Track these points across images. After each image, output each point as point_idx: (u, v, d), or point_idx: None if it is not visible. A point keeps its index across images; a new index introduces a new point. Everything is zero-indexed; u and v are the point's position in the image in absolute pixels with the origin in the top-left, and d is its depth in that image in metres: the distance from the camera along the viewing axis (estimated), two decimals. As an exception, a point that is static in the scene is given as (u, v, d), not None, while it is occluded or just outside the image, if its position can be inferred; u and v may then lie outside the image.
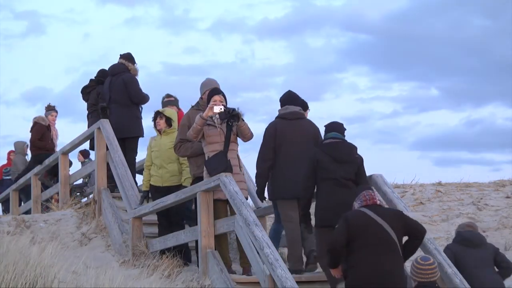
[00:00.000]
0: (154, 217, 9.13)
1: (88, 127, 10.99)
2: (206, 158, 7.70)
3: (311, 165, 7.06)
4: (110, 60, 25.48)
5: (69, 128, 31.76)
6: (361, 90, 31.01)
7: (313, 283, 7.25)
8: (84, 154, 14.04)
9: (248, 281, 7.16)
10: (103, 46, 32.66)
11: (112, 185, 10.23)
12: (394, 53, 30.63)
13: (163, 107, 9.85)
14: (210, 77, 8.53)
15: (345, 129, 7.30)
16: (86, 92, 11.25)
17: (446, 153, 30.16)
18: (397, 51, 30.43)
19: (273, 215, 8.40)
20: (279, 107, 7.92)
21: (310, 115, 8.38)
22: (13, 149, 14.12)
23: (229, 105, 7.75)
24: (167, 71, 31.31)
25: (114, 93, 10.47)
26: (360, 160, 7.19)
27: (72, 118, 29.30)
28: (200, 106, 8.23)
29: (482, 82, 30.08)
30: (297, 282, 6.31)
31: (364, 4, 31.11)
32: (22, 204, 13.16)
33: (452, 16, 29.54)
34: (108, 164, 10.23)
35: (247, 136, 7.73)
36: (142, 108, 10.65)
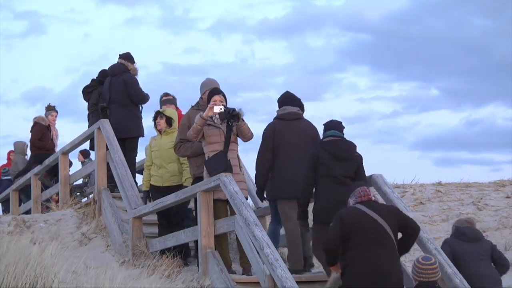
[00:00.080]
0: (154, 217, 9.13)
1: (89, 127, 11.00)
2: (206, 158, 7.70)
3: (312, 162, 7.08)
4: (110, 60, 25.51)
5: (69, 128, 31.78)
6: (361, 90, 31.04)
7: (313, 283, 7.25)
8: (84, 154, 14.03)
9: (248, 281, 7.16)
10: (103, 46, 32.69)
11: (112, 185, 10.23)
12: (394, 53, 30.65)
13: (161, 105, 9.86)
14: (210, 77, 8.53)
15: (344, 127, 7.33)
16: (87, 92, 11.24)
17: (446, 153, 30.18)
18: (397, 51, 30.46)
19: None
20: (275, 109, 7.95)
21: (310, 115, 8.41)
22: (13, 149, 14.12)
23: (229, 105, 7.75)
24: (167, 71, 31.33)
25: (114, 93, 10.47)
26: (360, 158, 7.22)
27: (72, 118, 29.31)
28: (200, 106, 8.23)
29: (482, 82, 30.10)
30: (297, 282, 6.32)
31: (364, 4, 31.13)
32: (22, 204, 13.16)
33: (452, 16, 29.56)
34: (108, 164, 10.23)
35: (247, 136, 7.73)
36: (142, 108, 10.65)
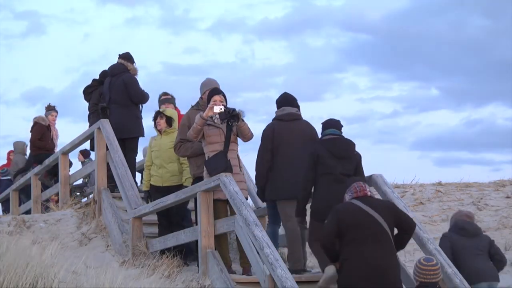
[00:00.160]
0: (154, 217, 9.13)
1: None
2: (206, 158, 7.70)
3: (312, 160, 7.09)
4: (110, 60, 25.47)
5: (69, 128, 31.79)
6: (361, 90, 31.04)
7: (313, 283, 7.24)
8: (84, 154, 14.03)
9: (248, 281, 7.16)
10: (103, 46, 32.70)
11: (112, 185, 10.23)
12: (394, 53, 30.65)
13: (159, 105, 9.86)
14: (210, 77, 8.53)
15: (342, 126, 7.36)
16: (88, 92, 11.24)
17: (446, 153, 30.19)
18: (397, 51, 30.46)
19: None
20: (275, 109, 7.95)
21: (310, 115, 8.42)
22: (13, 149, 14.12)
23: (229, 105, 7.75)
24: (167, 71, 31.34)
25: (114, 94, 10.47)
26: (359, 157, 7.27)
27: (72, 118, 29.32)
28: (200, 106, 8.23)
29: (482, 82, 30.10)
30: (297, 282, 6.32)
31: (364, 4, 31.13)
32: (22, 204, 13.16)
33: (452, 16, 29.56)
34: (108, 164, 10.23)
35: (247, 136, 7.73)
36: (142, 108, 10.65)
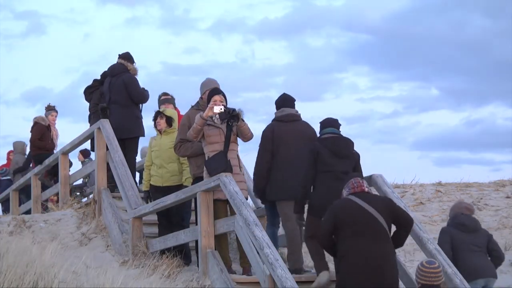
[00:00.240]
0: (154, 217, 9.13)
1: (91, 127, 10.99)
2: (206, 158, 7.70)
3: (312, 158, 7.11)
4: (110, 60, 25.45)
5: (69, 128, 31.78)
6: (361, 90, 31.04)
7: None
8: (84, 153, 14.03)
9: (248, 281, 7.16)
10: (103, 46, 32.67)
11: (112, 185, 10.23)
12: (394, 53, 30.67)
13: (159, 105, 9.86)
14: (210, 77, 8.53)
15: (340, 125, 7.39)
16: (89, 92, 11.23)
17: (446, 153, 30.21)
18: (397, 51, 30.48)
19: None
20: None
21: (310, 115, 8.44)
22: (12, 149, 14.12)
23: (229, 105, 7.75)
24: (167, 71, 31.34)
25: (114, 94, 10.46)
26: (357, 156, 7.32)
27: (72, 118, 29.33)
28: (200, 106, 8.23)
29: (482, 82, 30.12)
30: (297, 282, 6.32)
31: (364, 4, 31.13)
32: (22, 204, 13.16)
33: (452, 16, 29.57)
34: (108, 164, 10.23)
35: (247, 136, 7.73)
36: (142, 107, 10.65)
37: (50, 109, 13.12)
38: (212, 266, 7.27)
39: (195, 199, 7.75)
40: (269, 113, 8.28)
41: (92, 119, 11.06)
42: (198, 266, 7.72)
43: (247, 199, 7.57)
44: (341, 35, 31.83)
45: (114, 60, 10.75)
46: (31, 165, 13.06)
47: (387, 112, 31.48)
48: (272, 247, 6.45)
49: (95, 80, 11.23)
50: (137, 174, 11.50)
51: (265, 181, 7.71)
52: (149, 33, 32.61)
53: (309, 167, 7.14)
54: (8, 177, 14.00)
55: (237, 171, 7.65)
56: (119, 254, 9.09)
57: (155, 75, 28.82)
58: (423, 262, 5.97)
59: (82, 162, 13.91)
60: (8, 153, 14.41)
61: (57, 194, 11.66)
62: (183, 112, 9.43)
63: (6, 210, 13.86)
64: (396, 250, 6.35)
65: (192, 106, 8.44)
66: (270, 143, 7.68)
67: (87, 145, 11.67)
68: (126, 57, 10.69)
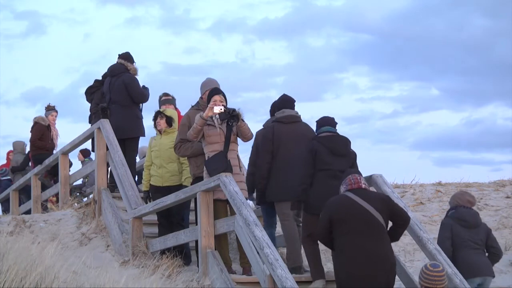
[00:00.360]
0: (154, 217, 9.13)
1: (92, 128, 10.98)
2: (206, 158, 7.70)
3: (311, 157, 7.13)
4: (110, 60, 25.47)
5: (69, 128, 31.79)
6: (362, 90, 31.06)
7: (313, 283, 7.25)
8: (84, 153, 14.03)
9: (248, 281, 7.16)
10: (103, 46, 32.71)
11: (112, 185, 10.24)
12: (394, 53, 30.69)
13: (160, 105, 9.86)
14: (210, 77, 8.53)
15: (337, 123, 7.40)
16: (91, 92, 11.23)
17: (446, 153, 30.21)
18: (397, 51, 30.49)
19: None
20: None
21: (311, 115, 8.45)
22: (12, 149, 14.12)
23: (230, 106, 7.75)
24: (167, 71, 31.35)
25: (114, 94, 10.47)
26: (354, 154, 7.37)
27: (72, 118, 29.36)
28: (200, 106, 8.23)
29: (482, 82, 30.13)
30: (297, 282, 6.32)
31: (364, 4, 31.15)
32: (22, 204, 13.15)
33: (452, 16, 29.58)
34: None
35: (247, 136, 7.73)
36: (142, 107, 10.65)
37: (50, 109, 13.12)
38: (212, 266, 7.27)
39: (195, 199, 7.74)
40: (269, 113, 8.29)
41: (93, 119, 11.05)
42: (198, 266, 7.72)
43: (247, 199, 7.57)
44: (341, 35, 31.88)
45: (114, 60, 10.77)
46: (30, 165, 13.06)
47: (387, 112, 31.51)
48: (272, 247, 6.45)
49: (96, 81, 11.22)
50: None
51: (264, 182, 7.72)
52: (149, 33, 32.67)
53: (307, 165, 7.16)
54: (8, 177, 14.01)
55: (237, 171, 7.65)
56: (119, 254, 9.09)
57: (155, 75, 28.86)
58: (428, 265, 5.96)
59: (82, 162, 13.91)
60: (8, 153, 14.40)
61: (56, 195, 11.67)
62: (183, 112, 9.43)
63: (6, 210, 13.86)
64: (396, 250, 6.38)
65: (192, 106, 8.44)
66: (270, 144, 7.70)
67: (87, 145, 11.67)
68: (126, 57, 10.69)
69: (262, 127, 8.38)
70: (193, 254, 8.58)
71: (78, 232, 9.91)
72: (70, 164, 12.25)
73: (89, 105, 11.31)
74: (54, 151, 12.29)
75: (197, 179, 8.00)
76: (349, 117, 29.76)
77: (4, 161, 14.63)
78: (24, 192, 13.06)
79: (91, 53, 33.23)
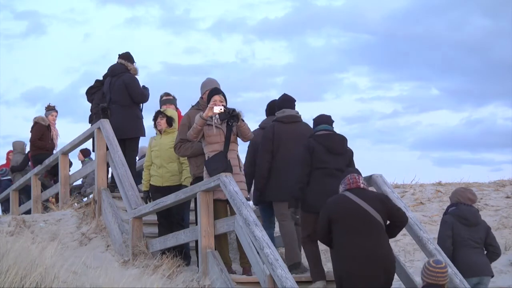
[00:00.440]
0: (154, 217, 9.13)
1: (93, 128, 10.96)
2: (206, 158, 7.70)
3: (308, 155, 7.14)
4: (110, 60, 25.49)
5: (69, 128, 31.79)
6: (362, 90, 31.04)
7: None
8: (84, 153, 14.03)
9: (248, 281, 7.16)
10: (103, 46, 32.70)
11: (112, 185, 10.23)
12: (394, 53, 30.68)
13: (161, 105, 9.86)
14: (210, 77, 8.53)
15: (333, 121, 7.43)
16: (91, 93, 11.22)
17: (446, 153, 30.21)
18: (397, 51, 30.48)
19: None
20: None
21: (310, 115, 8.44)
22: (12, 149, 14.11)
23: (230, 106, 7.75)
24: (167, 71, 31.34)
25: (114, 94, 10.46)
26: (351, 152, 7.37)
27: (72, 118, 29.37)
28: (200, 106, 8.23)
29: (482, 82, 30.12)
30: (297, 282, 6.33)
31: (364, 4, 31.15)
32: (22, 204, 13.15)
33: (452, 16, 29.59)
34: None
35: (247, 136, 7.73)
36: (142, 106, 10.65)
37: (50, 109, 13.12)
38: (212, 266, 7.27)
39: (195, 199, 7.74)
40: (269, 113, 8.31)
41: (94, 119, 11.04)
42: (198, 266, 7.72)
43: (247, 199, 7.57)
44: (341, 35, 31.86)
45: (114, 60, 10.76)
46: (29, 165, 13.06)
47: (387, 112, 31.49)
48: (272, 247, 6.46)
49: (97, 81, 11.21)
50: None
51: (264, 182, 7.73)
52: (149, 33, 32.66)
53: (304, 164, 7.17)
54: (8, 177, 14.00)
55: (237, 171, 7.64)
56: (119, 254, 9.09)
57: (155, 75, 28.85)
58: (430, 261, 6.01)
59: (82, 162, 13.91)
60: (8, 153, 14.40)
61: (56, 195, 11.66)
62: (184, 112, 9.42)
63: (6, 210, 13.86)
64: (396, 250, 6.40)
65: (193, 106, 8.44)
66: (270, 143, 7.70)
67: (87, 145, 11.67)
68: (126, 57, 10.69)
69: (258, 127, 8.40)
70: (193, 254, 8.58)
71: (78, 232, 9.91)
72: (70, 164, 12.24)
73: (89, 105, 11.30)
74: (54, 151, 12.29)
75: (197, 179, 8.00)
76: (349, 117, 29.80)
77: (4, 161, 14.63)
78: (24, 192, 13.06)
79: (91, 53, 33.26)
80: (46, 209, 11.47)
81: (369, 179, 7.61)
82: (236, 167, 7.65)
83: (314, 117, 7.50)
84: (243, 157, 8.20)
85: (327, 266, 7.43)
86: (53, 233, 9.81)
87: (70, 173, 11.57)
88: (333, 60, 31.79)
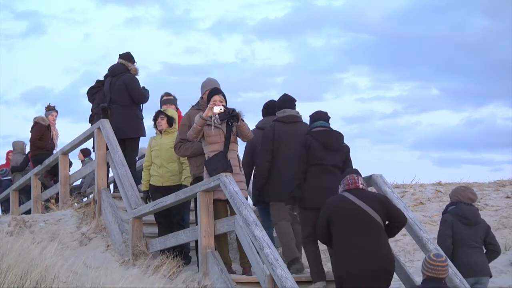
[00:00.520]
0: (154, 217, 9.12)
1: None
2: (206, 158, 7.70)
3: (304, 151, 7.14)
4: (111, 60, 25.49)
5: (69, 128, 31.79)
6: (362, 90, 31.05)
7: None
8: (85, 152, 14.03)
9: (248, 281, 7.16)
10: (103, 46, 32.70)
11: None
12: (394, 53, 30.69)
13: (161, 105, 9.86)
14: (210, 77, 8.53)
15: (330, 117, 7.43)
16: (92, 93, 11.21)
17: (446, 153, 30.21)
18: (397, 51, 30.49)
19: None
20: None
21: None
22: (12, 149, 14.12)
23: (229, 106, 7.75)
24: (167, 71, 31.35)
25: (114, 94, 10.47)
26: (347, 148, 7.38)
27: (72, 118, 29.38)
28: (200, 106, 8.23)
29: (482, 82, 30.13)
30: (297, 282, 6.33)
31: (364, 4, 31.15)
32: (22, 204, 13.15)
33: (452, 16, 29.59)
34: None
35: (247, 136, 7.73)
36: (142, 107, 10.65)
37: (50, 109, 13.12)
38: (212, 266, 7.27)
39: (195, 199, 7.75)
40: (269, 113, 8.31)
41: (95, 119, 11.04)
42: (198, 266, 7.72)
43: (247, 199, 7.58)
44: (341, 35, 31.85)
45: (115, 60, 10.76)
46: (29, 165, 13.05)
47: (387, 112, 31.49)
48: (272, 247, 6.46)
49: (98, 81, 11.20)
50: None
51: (264, 181, 7.73)
52: (149, 33, 32.66)
53: (300, 161, 7.18)
54: (9, 177, 14.00)
55: (237, 171, 7.64)
56: (119, 254, 9.09)
57: (155, 75, 28.87)
58: (431, 255, 6.05)
59: (82, 161, 13.91)
60: (7, 153, 14.40)
61: (55, 195, 11.66)
62: (184, 113, 9.43)
63: (6, 210, 13.86)
64: (396, 250, 6.41)
65: (193, 106, 8.44)
66: (271, 143, 7.71)
67: (88, 144, 11.66)
68: (127, 57, 10.68)
69: (255, 127, 8.40)
70: (193, 254, 8.58)
71: (78, 232, 9.91)
72: (70, 164, 12.24)
73: (90, 105, 11.30)
74: (54, 151, 12.28)
75: (197, 179, 8.00)
76: (349, 117, 29.82)
77: (4, 161, 14.63)
78: (24, 192, 13.06)
79: (91, 53, 33.26)
80: (47, 209, 11.46)
81: (369, 179, 7.61)
82: (236, 167, 7.65)
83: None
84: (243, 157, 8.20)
85: (327, 266, 7.44)
86: (53, 233, 9.81)
87: (70, 173, 11.56)
88: (333, 60, 31.83)
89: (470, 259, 7.27)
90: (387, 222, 6.39)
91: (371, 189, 7.26)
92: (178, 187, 8.62)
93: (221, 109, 7.54)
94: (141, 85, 10.63)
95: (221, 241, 7.57)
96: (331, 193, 6.69)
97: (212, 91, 7.85)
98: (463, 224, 7.40)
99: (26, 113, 33.06)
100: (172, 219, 8.73)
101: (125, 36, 31.47)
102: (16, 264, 5.81)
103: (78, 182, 12.95)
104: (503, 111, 31.58)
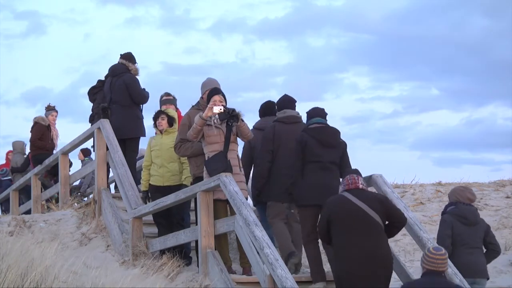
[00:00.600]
0: (154, 217, 9.13)
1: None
2: (206, 158, 7.70)
3: (300, 148, 7.15)
4: (111, 60, 25.52)
5: (69, 128, 31.80)
6: (362, 90, 31.06)
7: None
8: (85, 152, 14.03)
9: (248, 281, 7.16)
10: (103, 46, 32.73)
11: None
12: (395, 53, 30.70)
13: (161, 105, 9.85)
14: (210, 77, 8.54)
15: (327, 114, 7.45)
16: (93, 93, 11.21)
17: (446, 153, 30.21)
18: (397, 51, 30.50)
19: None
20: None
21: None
22: (12, 149, 14.11)
23: (229, 106, 7.75)
24: (167, 71, 31.36)
25: (114, 94, 10.46)
26: (344, 145, 7.38)
27: (72, 118, 29.39)
28: (200, 106, 8.23)
29: (482, 82, 30.14)
30: (297, 282, 6.33)
31: (364, 4, 31.16)
32: (22, 204, 13.15)
33: (452, 16, 29.61)
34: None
35: (247, 136, 7.73)
36: (142, 107, 10.65)
37: (50, 109, 13.12)
38: (212, 266, 7.27)
39: (195, 199, 7.75)
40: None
41: (95, 119, 11.03)
42: (198, 266, 7.72)
43: (247, 199, 7.58)
44: (341, 35, 31.87)
45: (115, 60, 10.76)
46: (30, 165, 13.06)
47: (387, 112, 31.51)
48: (272, 247, 6.46)
49: (99, 81, 11.19)
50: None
51: (264, 181, 7.74)
52: (149, 33, 32.68)
53: (296, 158, 7.18)
54: (9, 177, 14.00)
55: (237, 171, 7.64)
56: (119, 254, 9.09)
57: (155, 75, 28.87)
58: (430, 248, 6.05)
59: (82, 161, 13.91)
60: (7, 153, 14.40)
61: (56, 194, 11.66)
62: (184, 113, 9.42)
63: (6, 210, 13.86)
64: (396, 250, 6.41)
65: (193, 106, 8.44)
66: (271, 143, 7.71)
67: (88, 144, 11.66)
68: (128, 57, 10.68)
69: (253, 127, 8.40)
70: (193, 254, 8.59)
71: (78, 232, 9.91)
72: (70, 164, 12.24)
73: (90, 105, 11.30)
74: (54, 151, 12.29)
75: (197, 179, 8.00)
76: (349, 117, 29.84)
77: (4, 161, 14.63)
78: (24, 192, 13.06)
79: (91, 53, 33.27)
80: (47, 209, 11.46)
81: (369, 179, 7.61)
82: (236, 167, 7.65)
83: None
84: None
85: (327, 266, 7.44)
86: (53, 233, 9.81)
87: (70, 173, 11.56)
88: (333, 60, 31.84)
89: (469, 260, 7.27)
90: (387, 222, 6.39)
91: (371, 189, 7.27)
92: (179, 187, 8.62)
93: (221, 109, 7.54)
94: (142, 87, 10.63)
95: (221, 241, 7.58)
96: (329, 190, 6.71)
97: (212, 91, 7.85)
98: (462, 224, 7.40)
99: (26, 113, 33.12)
100: (172, 219, 8.73)
101: (125, 36, 31.52)
102: (16, 264, 5.82)
103: (77, 183, 12.95)
104: (503, 111, 31.62)
